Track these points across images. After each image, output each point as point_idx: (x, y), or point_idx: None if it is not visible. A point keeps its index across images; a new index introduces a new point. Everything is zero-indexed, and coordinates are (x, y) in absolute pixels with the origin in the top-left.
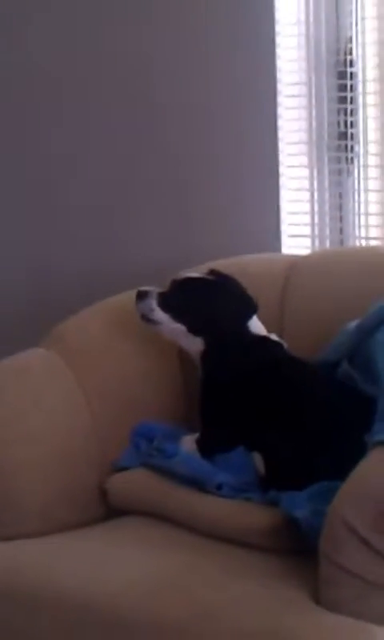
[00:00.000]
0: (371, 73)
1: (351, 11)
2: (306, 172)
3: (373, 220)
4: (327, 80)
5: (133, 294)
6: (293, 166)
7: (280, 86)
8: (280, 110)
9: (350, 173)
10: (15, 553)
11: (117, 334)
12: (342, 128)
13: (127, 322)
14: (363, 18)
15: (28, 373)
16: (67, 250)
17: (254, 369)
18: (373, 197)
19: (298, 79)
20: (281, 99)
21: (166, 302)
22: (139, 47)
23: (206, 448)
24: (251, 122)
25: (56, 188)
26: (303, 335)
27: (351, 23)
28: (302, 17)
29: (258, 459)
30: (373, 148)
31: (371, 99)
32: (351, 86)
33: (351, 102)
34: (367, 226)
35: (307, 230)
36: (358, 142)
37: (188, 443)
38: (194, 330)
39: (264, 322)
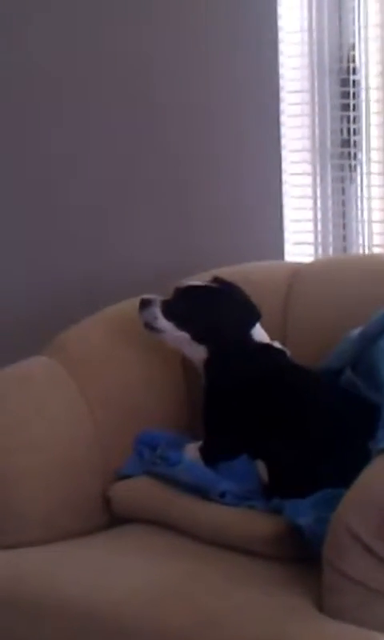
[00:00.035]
0: (374, 80)
1: (354, 19)
2: (308, 179)
3: (376, 227)
4: (330, 87)
5: (135, 301)
6: (296, 174)
7: (283, 94)
8: (283, 118)
9: (353, 180)
10: (18, 561)
11: (119, 342)
12: (345, 135)
13: (129, 330)
14: (366, 26)
15: (30, 381)
16: (68, 258)
17: (257, 376)
18: (376, 204)
19: (300, 87)
20: (283, 106)
21: (169, 310)
22: (139, 47)
23: (210, 456)
24: (253, 129)
25: (56, 190)
26: (306, 343)
27: (354, 31)
28: (305, 24)
29: (261, 467)
30: (376, 155)
31: (374, 107)
32: (354, 94)
33: (354, 110)
34: (370, 234)
35: (310, 238)
36: (361, 150)
37: (191, 451)
38: (197, 337)
39: (267, 330)
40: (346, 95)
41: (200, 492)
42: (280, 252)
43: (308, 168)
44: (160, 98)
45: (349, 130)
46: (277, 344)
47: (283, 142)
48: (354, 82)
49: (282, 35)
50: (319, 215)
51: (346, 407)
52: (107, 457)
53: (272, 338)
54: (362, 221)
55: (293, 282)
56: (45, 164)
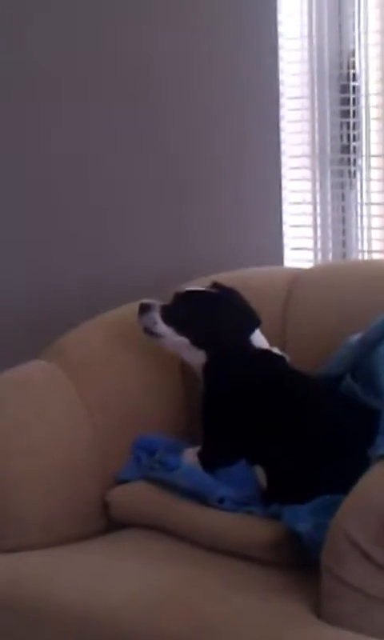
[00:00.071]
0: (374, 86)
1: (354, 25)
2: (308, 185)
3: (375, 233)
4: (330, 93)
5: (134, 306)
6: (295, 179)
7: (282, 100)
8: (282, 124)
9: (352, 186)
10: (17, 565)
11: (118, 346)
12: (345, 141)
13: (128, 334)
14: (366, 32)
15: (29, 385)
16: (68, 262)
17: (257, 382)
18: (375, 210)
19: (300, 93)
20: (283, 112)
21: (168, 315)
22: (139, 48)
23: (208, 461)
24: (253, 134)
25: (56, 191)
26: (306, 348)
27: (354, 37)
28: (305, 31)
29: (259, 473)
30: (375, 162)
31: (374, 113)
32: (354, 100)
33: (354, 116)
34: (370, 240)
35: (310, 243)
36: (361, 156)
37: (189, 456)
38: (196, 343)
39: (266, 335)
40: (345, 101)
41: (198, 497)
42: (279, 257)
43: (308, 174)
44: (160, 100)
45: (349, 136)
46: (276, 350)
47: (283, 147)
48: (353, 88)
49: (281, 41)
50: (319, 221)
51: (345, 413)
52: (106, 461)
53: (271, 344)
54: (362, 227)
55: (292, 288)
56: (45, 164)
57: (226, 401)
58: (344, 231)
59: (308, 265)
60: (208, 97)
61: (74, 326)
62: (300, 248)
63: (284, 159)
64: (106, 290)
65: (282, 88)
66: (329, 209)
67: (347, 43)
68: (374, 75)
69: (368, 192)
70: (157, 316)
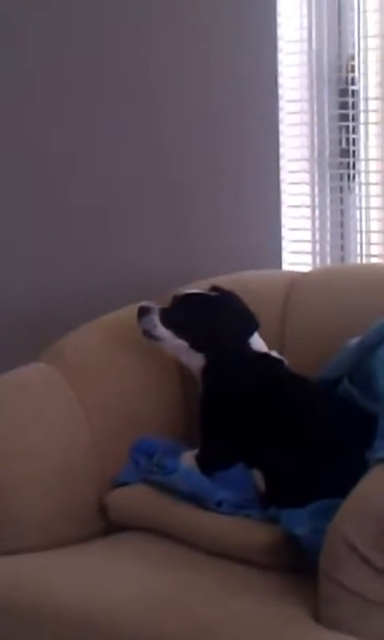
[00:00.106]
0: (373, 91)
1: (353, 29)
2: (307, 189)
3: (374, 237)
4: (329, 97)
5: (133, 309)
6: (294, 183)
7: (282, 103)
8: (282, 127)
9: (351, 190)
10: (15, 567)
11: (116, 349)
12: (344, 145)
13: (127, 337)
14: (365, 36)
15: (28, 387)
16: (67, 264)
17: (255, 385)
18: (374, 214)
19: (299, 96)
20: (283, 116)
21: (168, 318)
22: (139, 48)
23: (206, 464)
24: (252, 137)
25: (55, 193)
26: (304, 352)
27: (353, 41)
28: (305, 34)
29: (257, 476)
30: (374, 165)
31: (373, 117)
32: (353, 104)
33: (353, 120)
34: (368, 244)
35: (308, 247)
36: (360, 160)
37: (188, 459)
38: (196, 346)
39: (265, 339)
40: (344, 105)
41: (196, 500)
42: (278, 261)
43: (306, 177)
44: (159, 102)
45: (347, 139)
46: (274, 353)
47: (282, 151)
48: (352, 91)
49: (281, 44)
50: (317, 224)
51: (343, 417)
52: (104, 464)
53: (270, 347)
54: (360, 231)
55: (290, 292)
56: (45, 164)
57: (225, 404)
58: (342, 235)
59: (306, 268)
60: (207, 100)
61: (73, 328)
62: (299, 251)
63: (283, 163)
64: (105, 293)
65: (281, 91)
66: (327, 212)
67: (346, 47)
68: (373, 79)
69: (367, 196)
70: (156, 319)
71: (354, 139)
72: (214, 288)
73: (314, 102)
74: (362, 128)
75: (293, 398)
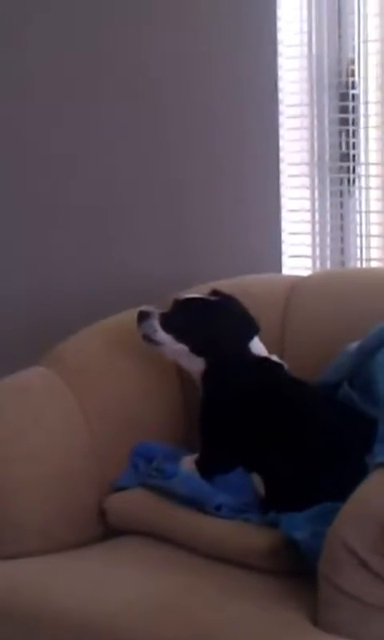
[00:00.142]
0: (373, 95)
1: (353, 33)
2: (307, 193)
3: (374, 241)
4: (329, 101)
5: (132, 313)
6: (294, 187)
7: (282, 107)
8: (282, 131)
9: (351, 194)
10: (14, 572)
11: (116, 353)
12: (344, 149)
13: (127, 341)
14: (365, 41)
15: (28, 391)
16: (67, 268)
17: (255, 389)
18: (374, 218)
19: (299, 100)
20: (283, 120)
21: (168, 322)
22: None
23: (206, 468)
24: (252, 142)
25: (56, 194)
26: (304, 356)
27: (353, 45)
28: (305, 38)
29: (257, 480)
30: (374, 170)
31: (373, 121)
32: (353, 108)
33: (353, 124)
34: (368, 248)
35: (308, 251)
36: (360, 164)
37: (187, 463)
38: (196, 350)
39: (265, 343)
40: (344, 109)
41: (196, 505)
42: (278, 265)
43: (306, 181)
44: (159, 107)
45: (347, 143)
46: (275, 357)
47: (282, 155)
48: (353, 96)
49: (281, 49)
50: (317, 229)
51: (343, 421)
52: (103, 468)
53: (270, 351)
54: (360, 235)
55: (291, 296)
56: (45, 164)
57: (225, 408)
58: (342, 239)
59: (306, 272)
60: (207, 104)
61: (73, 332)
62: (299, 255)
63: (283, 167)
64: (105, 297)
65: (281, 95)
66: (327, 216)
67: (346, 51)
68: (373, 83)
69: (367, 200)
70: (156, 324)
71: (353, 143)
72: (214, 292)
73: (314, 106)
74: (362, 132)
75: (293, 402)
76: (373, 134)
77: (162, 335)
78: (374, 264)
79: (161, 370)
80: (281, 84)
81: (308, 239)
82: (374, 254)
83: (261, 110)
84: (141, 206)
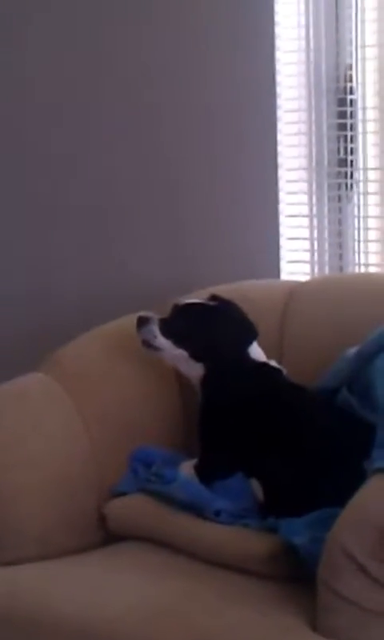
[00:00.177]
0: (371, 100)
1: (351, 39)
2: (305, 198)
3: (372, 247)
4: (327, 107)
5: (131, 318)
6: (292, 192)
7: (280, 113)
8: (280, 137)
9: (349, 199)
10: (14, 578)
11: (115, 358)
12: (342, 155)
13: (125, 346)
14: (363, 46)
15: (27, 397)
16: (66, 274)
17: (254, 395)
18: (372, 223)
19: (297, 106)
20: (281, 125)
21: (167, 327)
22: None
23: (205, 474)
24: (250, 147)
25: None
26: (302, 361)
27: (351, 51)
28: (303, 44)
29: (256, 486)
30: (372, 175)
31: (371, 126)
32: (351, 113)
33: (351, 129)
34: (367, 253)
35: (307, 256)
36: (358, 169)
37: (186, 469)
38: (195, 355)
39: (263, 348)
40: (342, 115)
41: (195, 510)
42: (276, 270)
43: (304, 187)
44: (159, 101)
45: (345, 149)
46: (273, 362)
47: (280, 160)
48: (350, 101)
49: (279, 54)
50: (316, 234)
51: (341, 426)
52: (103, 473)
53: (268, 357)
54: (359, 240)
55: (289, 301)
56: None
57: (224, 413)
58: (341, 244)
59: (305, 278)
60: (205, 109)
61: (72, 338)
62: (297, 261)
63: (281, 172)
64: (104, 302)
65: (279, 101)
66: (326, 222)
67: (344, 57)
68: (370, 88)
69: (365, 205)
70: (155, 329)
71: (351, 148)
72: (213, 297)
73: (312, 112)
74: (359, 137)
75: (291, 408)
76: (371, 139)
77: (162, 340)
78: (372, 269)
79: (160, 376)
80: (279, 89)
81: (306, 244)
82: (372, 259)
83: (259, 115)
84: (140, 207)
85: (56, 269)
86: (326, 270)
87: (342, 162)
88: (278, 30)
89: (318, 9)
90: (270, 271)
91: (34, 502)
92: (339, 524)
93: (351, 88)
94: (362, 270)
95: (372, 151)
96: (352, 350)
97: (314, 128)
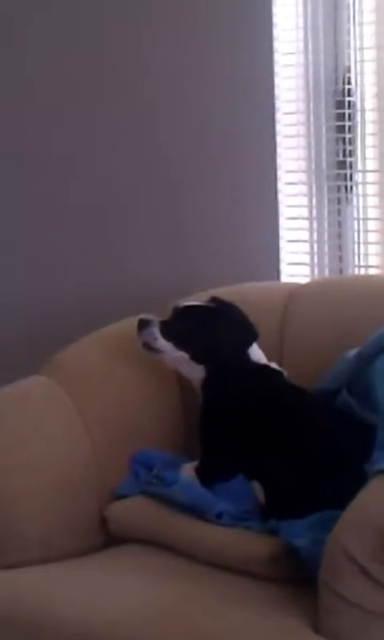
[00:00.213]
0: (370, 102)
1: (349, 41)
2: (305, 200)
3: (372, 248)
4: (326, 109)
5: (132, 321)
6: (292, 195)
7: (278, 115)
8: (278, 139)
9: (349, 201)
10: (15, 581)
11: (116, 361)
12: (341, 157)
13: (126, 349)
14: (362, 48)
15: (28, 400)
16: (66, 276)
17: (255, 397)
18: (372, 225)
19: (296, 108)
20: (280, 128)
21: (168, 330)
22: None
23: (206, 476)
24: (249, 149)
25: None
26: (303, 363)
27: (349, 53)
28: (301, 46)
29: (257, 488)
30: (371, 177)
31: (370, 128)
32: (350, 115)
33: (350, 131)
34: (366, 255)
35: (306, 259)
36: (357, 171)
37: (187, 471)
38: (196, 357)
39: (264, 350)
40: (341, 117)
41: (196, 512)
42: (276, 272)
43: (304, 189)
44: (159, 101)
45: (344, 151)
46: (274, 364)
47: (279, 162)
48: (349, 103)
49: (277, 57)
50: (315, 236)
51: (342, 428)
52: (104, 476)
53: (269, 359)
54: (358, 242)
55: (289, 303)
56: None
57: (225, 415)
58: (340, 246)
59: (305, 280)
60: (204, 110)
61: (73, 341)
62: (297, 263)
63: (280, 174)
64: (105, 305)
65: (277, 103)
66: (325, 224)
67: (343, 59)
68: (369, 91)
69: (364, 207)
70: (156, 331)
71: (350, 151)
72: (213, 299)
73: (311, 114)
74: (358, 139)
75: (292, 410)
76: (370, 141)
77: (163, 343)
78: (372, 271)
79: (160, 378)
80: (277, 91)
81: (306, 247)
82: (372, 260)
83: (258, 116)
84: (140, 207)
85: (56, 270)
86: (326, 272)
87: (341, 164)
88: (276, 31)
89: (316, 11)
90: (269, 273)
91: (35, 504)
92: (340, 526)
93: (350, 90)
94: (362, 271)
95: (371, 153)
96: (352, 352)
97: (312, 130)
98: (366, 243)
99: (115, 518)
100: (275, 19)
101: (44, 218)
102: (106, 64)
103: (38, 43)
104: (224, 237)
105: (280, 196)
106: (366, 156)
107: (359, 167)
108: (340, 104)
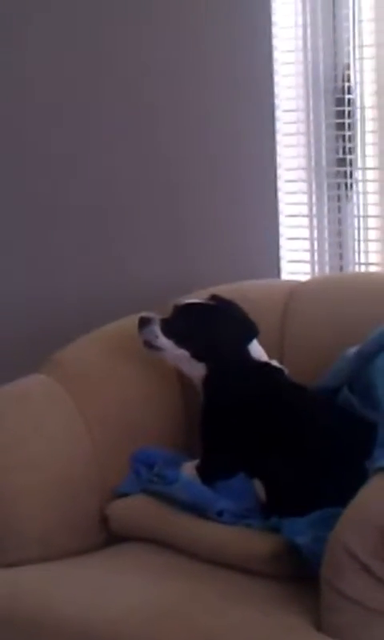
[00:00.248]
0: (369, 99)
1: (349, 39)
2: (305, 198)
3: (372, 246)
4: (325, 107)
5: (132, 319)
6: (292, 192)
7: (278, 113)
8: (279, 137)
9: (349, 199)
10: (16, 579)
11: (116, 359)
12: (341, 154)
13: (126, 347)
14: (361, 46)
15: (28, 399)
16: (66, 275)
17: (255, 394)
18: (372, 223)
19: (296, 106)
20: (279, 125)
21: (168, 328)
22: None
23: (207, 474)
24: (249, 147)
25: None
26: (303, 361)
27: (349, 50)
28: (300, 44)
29: (258, 486)
30: (371, 174)
31: (369, 126)
32: (349, 113)
33: (349, 129)
34: (366, 252)
35: (307, 256)
36: (357, 168)
37: (188, 469)
38: (197, 355)
39: (264, 348)
40: (341, 114)
41: (197, 510)
42: (276, 270)
43: (304, 187)
44: (159, 101)
45: (344, 148)
46: (275, 362)
47: (279, 160)
48: (349, 101)
49: (276, 54)
50: (315, 234)
51: (342, 426)
52: (105, 474)
53: (269, 356)
54: (359, 239)
55: (289, 301)
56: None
57: (225, 413)
58: (341, 244)
59: (305, 277)
60: (203, 109)
61: (73, 339)
62: (297, 260)
63: (280, 172)
64: (105, 304)
65: (277, 101)
66: (325, 221)
67: (342, 57)
68: (369, 88)
69: (364, 204)
70: (157, 329)
71: (350, 148)
72: (214, 297)
73: (311, 112)
74: (358, 137)
75: (293, 407)
76: (369, 138)
77: (163, 341)
78: (372, 268)
79: (161, 376)
80: (277, 89)
81: (306, 244)
82: (373, 258)
83: (257, 115)
84: (140, 207)
85: (56, 270)
86: (326, 270)
87: (341, 162)
88: (275, 29)
89: (315, 8)
90: (270, 271)
91: (35, 503)
92: (341, 523)
93: (349, 87)
94: (362, 269)
95: (371, 150)
96: (352, 350)
97: (312, 128)
98: (367, 241)
99: (116, 517)
100: (274, 17)
101: (44, 218)
102: (106, 64)
103: (38, 43)
104: (224, 235)
105: (280, 194)
106: (366, 153)
107: (359, 165)
108: (340, 101)
